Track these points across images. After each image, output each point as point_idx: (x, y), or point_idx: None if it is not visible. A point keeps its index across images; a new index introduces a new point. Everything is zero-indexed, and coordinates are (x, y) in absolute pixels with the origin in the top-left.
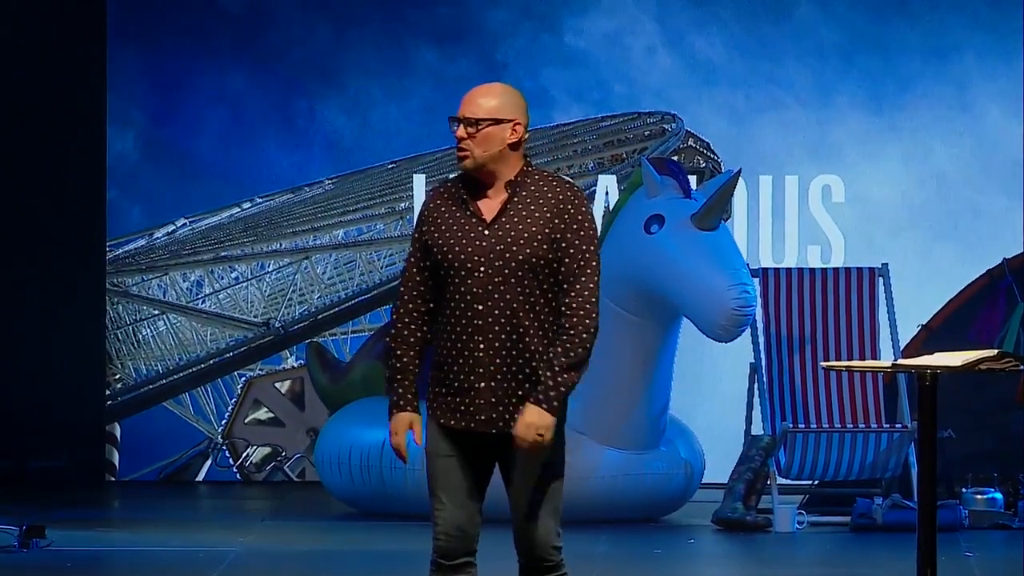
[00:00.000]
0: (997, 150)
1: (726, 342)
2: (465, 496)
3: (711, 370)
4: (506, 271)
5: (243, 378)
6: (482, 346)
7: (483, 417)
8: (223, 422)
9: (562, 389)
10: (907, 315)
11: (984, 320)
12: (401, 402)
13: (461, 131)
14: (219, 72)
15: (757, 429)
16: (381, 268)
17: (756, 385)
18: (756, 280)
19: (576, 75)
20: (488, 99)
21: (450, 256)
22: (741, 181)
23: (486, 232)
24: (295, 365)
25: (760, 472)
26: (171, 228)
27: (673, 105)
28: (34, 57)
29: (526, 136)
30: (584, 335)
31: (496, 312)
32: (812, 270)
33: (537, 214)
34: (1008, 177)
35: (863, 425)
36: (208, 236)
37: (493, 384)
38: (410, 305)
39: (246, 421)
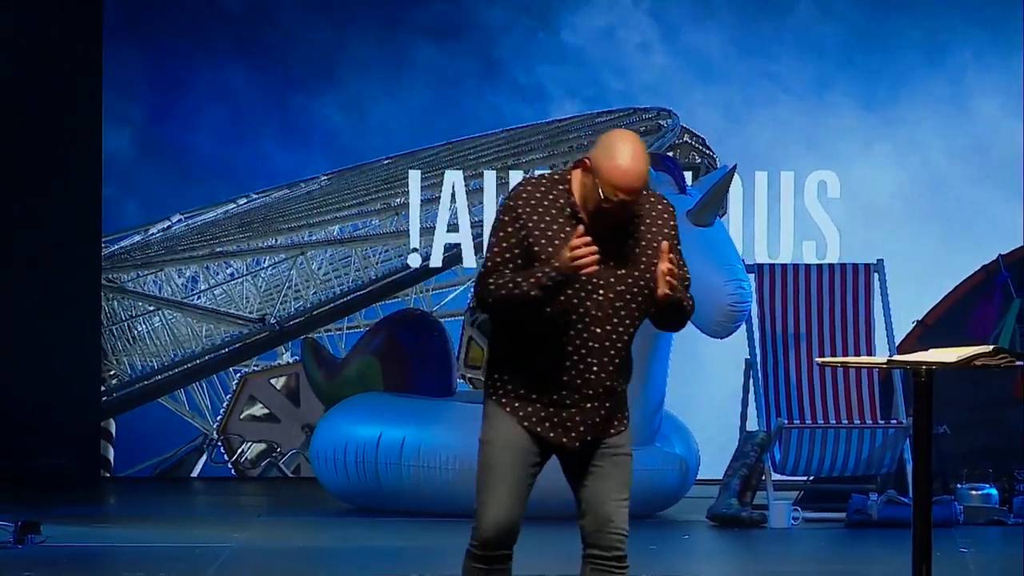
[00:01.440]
0: (993, 146)
1: (722, 338)
2: (523, 491)
3: (706, 366)
4: (628, 296)
5: (238, 374)
6: (595, 368)
7: (581, 431)
8: (218, 418)
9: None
10: (902, 311)
11: (979, 316)
12: (546, 267)
13: (619, 213)
14: (216, 69)
15: (752, 425)
16: (376, 264)
17: (751, 381)
18: (752, 276)
19: (572, 71)
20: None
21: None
22: (736, 177)
23: (600, 252)
24: (290, 361)
25: (755, 468)
26: (167, 224)
27: (668, 101)
28: (31, 54)
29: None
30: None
31: (614, 336)
32: (807, 266)
33: (652, 237)
34: (1004, 173)
35: (858, 421)
36: (204, 232)
37: (597, 404)
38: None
39: (241, 417)
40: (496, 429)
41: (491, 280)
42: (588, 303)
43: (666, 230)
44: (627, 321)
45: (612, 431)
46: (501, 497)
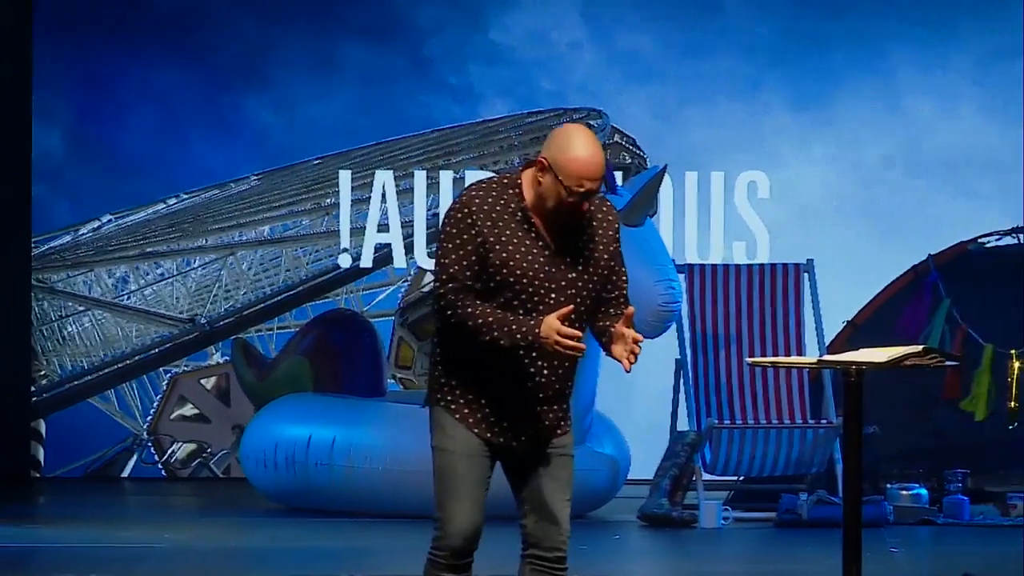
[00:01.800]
0: (924, 147)
1: (652, 338)
2: (484, 496)
3: (636, 366)
4: (578, 300)
5: (168, 374)
6: (546, 371)
7: (531, 435)
8: (148, 418)
9: None
10: (832, 311)
11: (909, 316)
12: (531, 322)
13: (586, 205)
14: (146, 68)
15: (683, 425)
16: (307, 264)
17: (682, 381)
18: (682, 276)
19: (502, 71)
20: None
21: (525, 278)
22: (667, 177)
23: (554, 257)
24: (221, 361)
25: (686, 468)
26: (97, 224)
27: (599, 101)
28: None
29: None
30: None
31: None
32: (738, 266)
33: (600, 241)
34: (935, 174)
35: (788, 421)
36: (134, 232)
37: (546, 408)
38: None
39: (171, 417)
40: (450, 436)
41: (456, 300)
42: (541, 307)
43: (611, 232)
44: (577, 325)
45: (559, 432)
46: (465, 506)
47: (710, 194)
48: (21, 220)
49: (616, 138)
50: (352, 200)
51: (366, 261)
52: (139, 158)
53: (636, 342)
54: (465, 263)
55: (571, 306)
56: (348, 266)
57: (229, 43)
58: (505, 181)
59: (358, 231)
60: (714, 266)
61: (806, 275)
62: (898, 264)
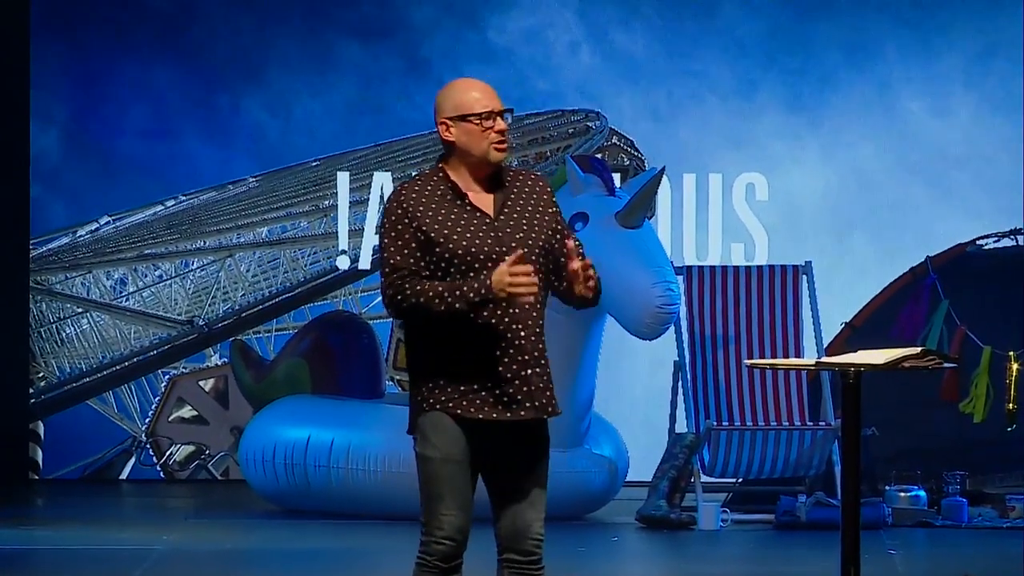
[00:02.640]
0: (919, 148)
1: (650, 340)
2: (469, 501)
3: (635, 368)
4: (531, 258)
5: (167, 376)
6: (523, 333)
7: (537, 403)
8: (147, 420)
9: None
10: (831, 313)
11: (907, 318)
12: (480, 278)
13: (501, 123)
14: (142, 68)
15: (681, 427)
16: (305, 266)
17: (680, 383)
18: (680, 278)
19: (499, 72)
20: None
21: (470, 253)
22: (665, 179)
23: (496, 225)
24: (219, 363)
25: (684, 470)
26: (95, 226)
27: (596, 102)
28: None
29: None
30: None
31: (531, 299)
32: (736, 268)
33: (536, 204)
34: (931, 174)
35: (787, 423)
36: (132, 234)
37: (539, 369)
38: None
39: (170, 419)
40: (433, 443)
41: (403, 284)
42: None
43: (545, 195)
44: (539, 280)
45: (550, 408)
46: (449, 509)
47: (708, 196)
48: (19, 221)
49: (614, 140)
50: (350, 202)
51: (364, 263)
52: (137, 159)
53: (586, 268)
54: (406, 251)
55: (520, 251)
56: (347, 268)
57: (226, 44)
58: (427, 172)
59: (356, 233)
60: (712, 268)
61: (804, 277)
62: (896, 266)
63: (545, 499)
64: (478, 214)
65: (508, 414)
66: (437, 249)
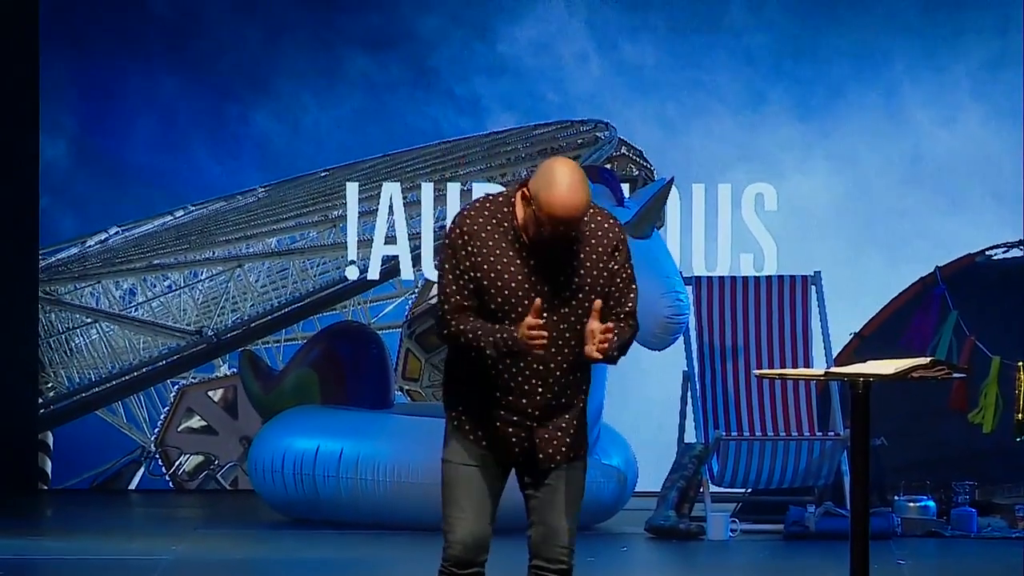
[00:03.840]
0: (927, 157)
1: (659, 350)
2: (487, 506)
3: (644, 378)
4: (572, 319)
5: (176, 386)
6: (540, 389)
7: (541, 454)
8: (156, 430)
9: (625, 344)
10: (840, 323)
11: (916, 328)
12: (505, 332)
13: (537, 302)
14: (151, 79)
15: (690, 437)
16: (314, 276)
17: (689, 393)
18: (689, 288)
19: (507, 83)
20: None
21: (511, 297)
22: (674, 189)
23: (542, 271)
24: (228, 373)
25: (693, 480)
26: (104, 236)
27: (605, 113)
28: None
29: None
30: (634, 335)
31: (559, 358)
32: (745, 278)
33: (596, 253)
34: (939, 184)
35: (796, 433)
36: (141, 244)
37: (549, 425)
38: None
39: (179, 429)
40: (454, 448)
41: (451, 319)
42: (521, 312)
43: (609, 249)
44: (572, 343)
45: (571, 455)
46: (465, 516)
47: (717, 206)
48: (28, 232)
49: (623, 150)
50: (359, 212)
51: (373, 273)
52: (145, 170)
53: (604, 332)
54: (460, 283)
55: (538, 302)
56: (355, 278)
57: (234, 54)
58: (500, 199)
59: (365, 243)
60: (721, 278)
61: (813, 287)
62: (905, 276)
63: (577, 509)
64: (531, 260)
65: (521, 459)
66: (485, 283)
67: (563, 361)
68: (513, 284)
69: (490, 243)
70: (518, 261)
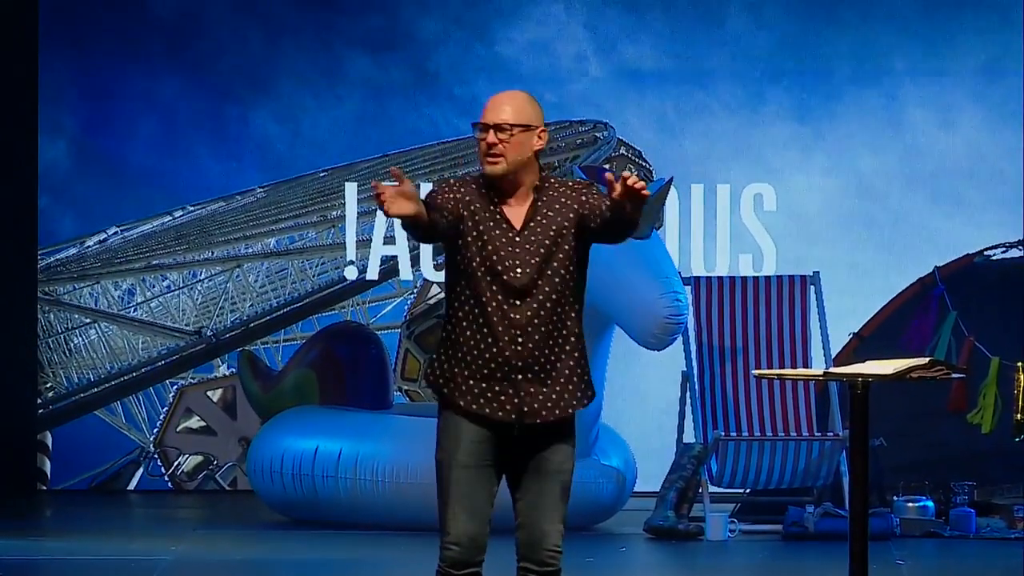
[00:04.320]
0: (926, 158)
1: (658, 350)
2: (481, 506)
3: (643, 379)
4: (542, 268)
5: (175, 387)
6: (520, 340)
7: (516, 405)
8: (155, 431)
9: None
10: (839, 323)
11: (915, 328)
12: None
13: (492, 137)
14: (150, 80)
15: (689, 437)
16: (313, 277)
17: (688, 393)
18: (688, 288)
19: (507, 83)
20: (521, 105)
21: (488, 263)
22: (673, 189)
23: (518, 239)
24: (227, 374)
25: (692, 481)
26: (103, 236)
27: (604, 113)
28: None
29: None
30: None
31: (535, 306)
32: (744, 278)
33: (561, 210)
34: (938, 185)
35: (795, 433)
36: (140, 244)
37: (530, 379)
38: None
39: (178, 430)
40: (443, 446)
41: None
42: (506, 278)
43: (576, 197)
44: (547, 289)
45: (551, 416)
46: (458, 516)
47: (716, 206)
48: (27, 232)
49: (622, 150)
50: (358, 212)
51: (372, 273)
52: (144, 170)
53: (626, 179)
54: (441, 198)
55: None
56: (354, 278)
57: (234, 55)
58: (473, 176)
59: (364, 243)
60: (720, 278)
61: (812, 287)
62: (904, 276)
63: (564, 510)
64: (503, 226)
65: (499, 415)
66: (462, 250)
67: (539, 308)
68: (485, 253)
69: (476, 215)
70: (490, 227)
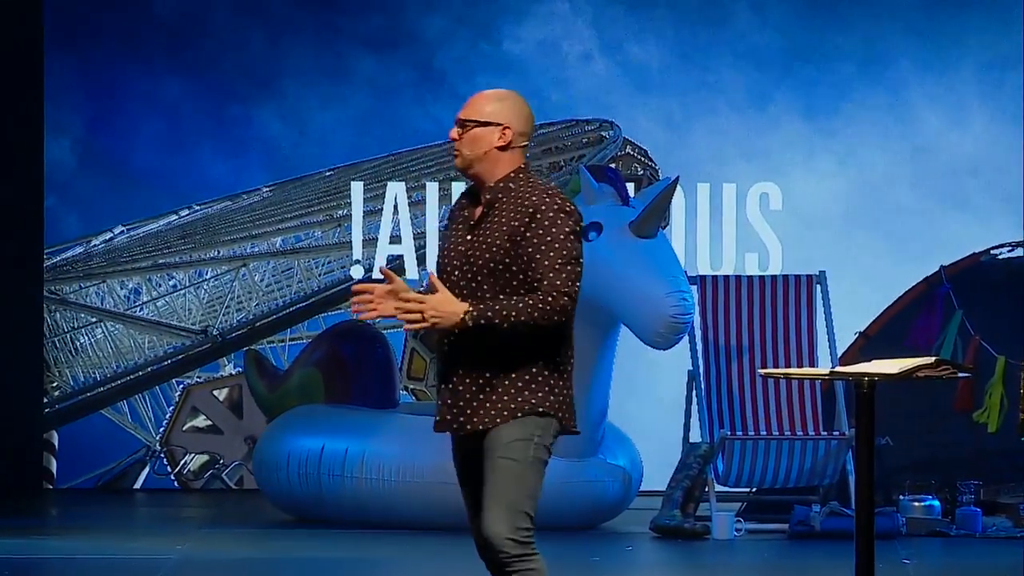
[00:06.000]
0: (932, 157)
1: (664, 349)
2: (476, 510)
3: (649, 378)
4: (470, 275)
5: (181, 385)
6: (445, 348)
7: (447, 417)
8: (161, 430)
9: (495, 318)
10: (845, 322)
11: (921, 327)
12: None
13: (453, 132)
14: (155, 79)
15: (695, 436)
16: (319, 275)
17: (694, 392)
18: (694, 287)
19: (513, 82)
20: (483, 102)
21: (437, 258)
22: (679, 188)
23: (468, 237)
24: (233, 373)
25: (698, 479)
26: (108, 236)
27: (610, 112)
28: None
29: (522, 143)
30: (548, 309)
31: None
32: (750, 277)
33: (507, 219)
34: (944, 184)
35: (801, 432)
36: (146, 243)
37: (466, 386)
38: None
39: (184, 429)
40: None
41: None
42: (448, 284)
43: (525, 218)
44: (473, 301)
45: (481, 425)
46: (469, 515)
47: (722, 205)
48: (33, 231)
49: (628, 149)
50: (364, 211)
51: (378, 272)
52: (150, 169)
53: (406, 301)
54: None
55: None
56: (360, 277)
57: (239, 55)
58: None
59: (370, 242)
60: (726, 277)
61: (818, 286)
62: (910, 275)
63: (505, 500)
64: (464, 226)
65: (436, 424)
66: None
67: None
68: (441, 252)
69: (463, 201)
70: (456, 228)
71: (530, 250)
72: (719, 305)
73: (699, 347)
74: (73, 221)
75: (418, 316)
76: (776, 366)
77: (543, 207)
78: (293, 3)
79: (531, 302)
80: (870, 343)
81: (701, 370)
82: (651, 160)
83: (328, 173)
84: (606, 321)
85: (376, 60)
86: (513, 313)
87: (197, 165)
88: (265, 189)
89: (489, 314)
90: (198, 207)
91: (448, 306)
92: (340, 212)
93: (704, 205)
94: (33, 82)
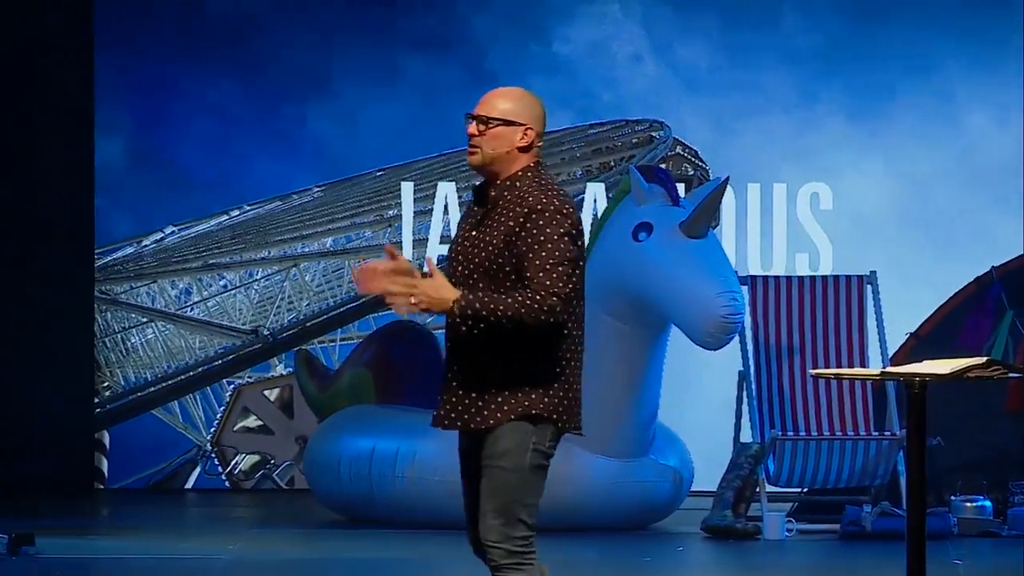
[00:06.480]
0: (983, 157)
1: (715, 350)
2: (473, 509)
3: (700, 378)
4: (468, 271)
5: (232, 386)
6: (448, 346)
7: (440, 414)
8: (212, 430)
9: (482, 310)
10: (895, 323)
11: (972, 328)
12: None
13: (472, 128)
14: (206, 79)
15: (746, 437)
16: None
17: (745, 393)
18: (744, 288)
19: (563, 83)
20: (504, 100)
21: (448, 250)
22: (729, 189)
23: (473, 233)
24: (284, 373)
25: (749, 480)
26: (159, 236)
27: (659, 112)
28: (22, 66)
29: (539, 143)
30: (536, 307)
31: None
32: (800, 278)
33: (505, 219)
34: (996, 184)
35: (852, 433)
36: (197, 244)
37: (459, 382)
38: None
39: (235, 429)
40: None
41: None
42: (453, 280)
43: (520, 218)
44: (472, 284)
45: (473, 424)
46: (470, 526)
47: (772, 205)
48: (84, 232)
49: (678, 149)
50: (414, 212)
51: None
52: (200, 170)
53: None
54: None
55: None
56: None
57: (290, 55)
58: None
59: (421, 243)
60: (777, 278)
61: (869, 287)
62: (960, 276)
63: (498, 505)
64: (470, 222)
65: (446, 422)
66: None
67: (462, 323)
68: (450, 248)
69: (467, 214)
70: (463, 224)
71: (523, 249)
72: (769, 305)
73: (750, 347)
74: (124, 221)
75: (407, 299)
76: (827, 366)
77: (539, 207)
78: (344, 3)
79: (519, 298)
80: (921, 344)
81: (752, 370)
82: (701, 160)
83: (379, 173)
84: (656, 321)
85: (427, 60)
86: (501, 307)
87: (248, 165)
88: (316, 189)
89: (477, 305)
90: (249, 207)
91: (439, 291)
92: (391, 212)
93: (755, 205)
94: (83, 82)
